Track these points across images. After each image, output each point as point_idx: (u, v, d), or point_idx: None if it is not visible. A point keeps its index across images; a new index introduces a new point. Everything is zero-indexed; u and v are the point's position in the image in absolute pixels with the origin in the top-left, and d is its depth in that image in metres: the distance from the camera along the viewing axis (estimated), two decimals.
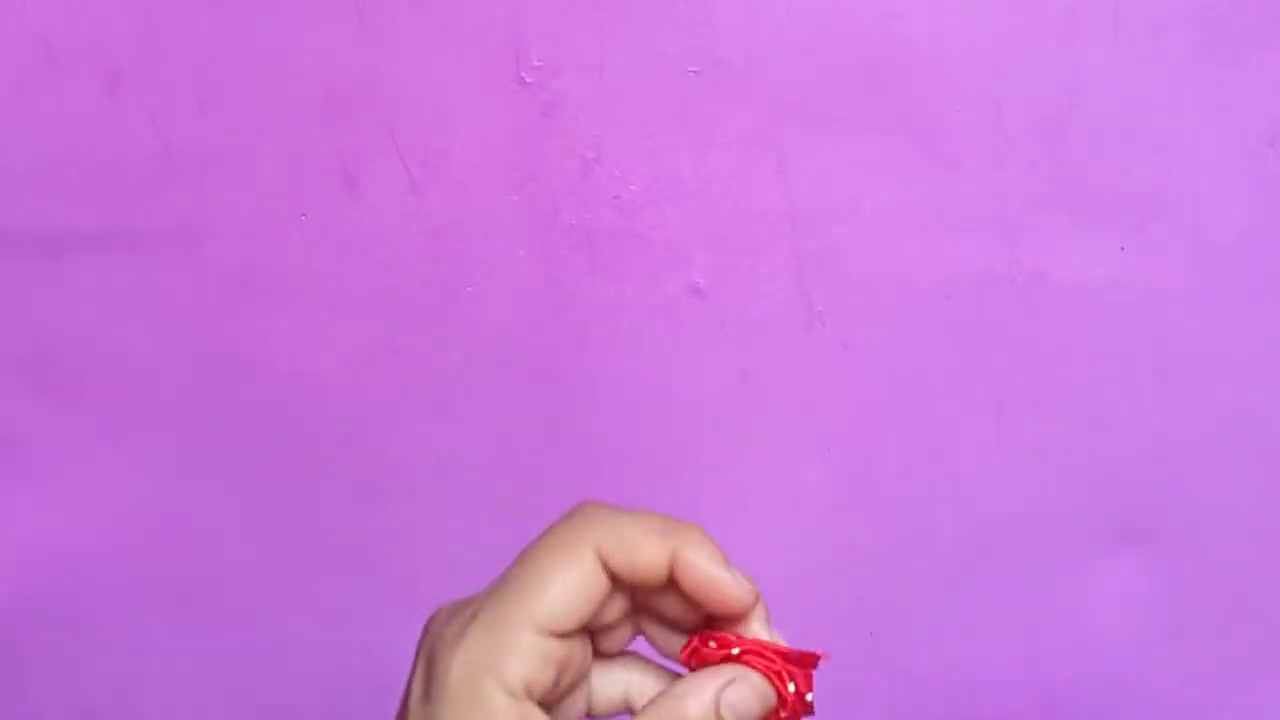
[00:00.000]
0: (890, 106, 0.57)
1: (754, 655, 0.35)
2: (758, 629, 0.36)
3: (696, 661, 0.36)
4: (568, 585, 0.34)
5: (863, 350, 0.61)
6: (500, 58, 0.56)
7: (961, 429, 0.62)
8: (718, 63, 0.56)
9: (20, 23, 0.56)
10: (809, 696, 0.36)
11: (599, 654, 0.39)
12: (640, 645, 0.39)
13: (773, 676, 0.35)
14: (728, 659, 0.35)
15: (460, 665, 0.34)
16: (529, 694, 0.34)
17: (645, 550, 0.35)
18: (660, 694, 0.35)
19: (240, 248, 0.60)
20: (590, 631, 0.37)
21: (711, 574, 0.35)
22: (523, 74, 0.57)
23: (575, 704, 0.38)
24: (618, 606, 0.37)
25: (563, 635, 0.35)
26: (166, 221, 0.60)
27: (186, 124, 0.58)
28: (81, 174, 0.59)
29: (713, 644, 0.36)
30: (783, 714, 0.35)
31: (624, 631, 0.38)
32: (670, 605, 0.37)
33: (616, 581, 0.35)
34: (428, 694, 0.35)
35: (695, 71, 0.56)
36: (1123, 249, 0.58)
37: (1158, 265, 0.58)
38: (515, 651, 0.34)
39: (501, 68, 0.56)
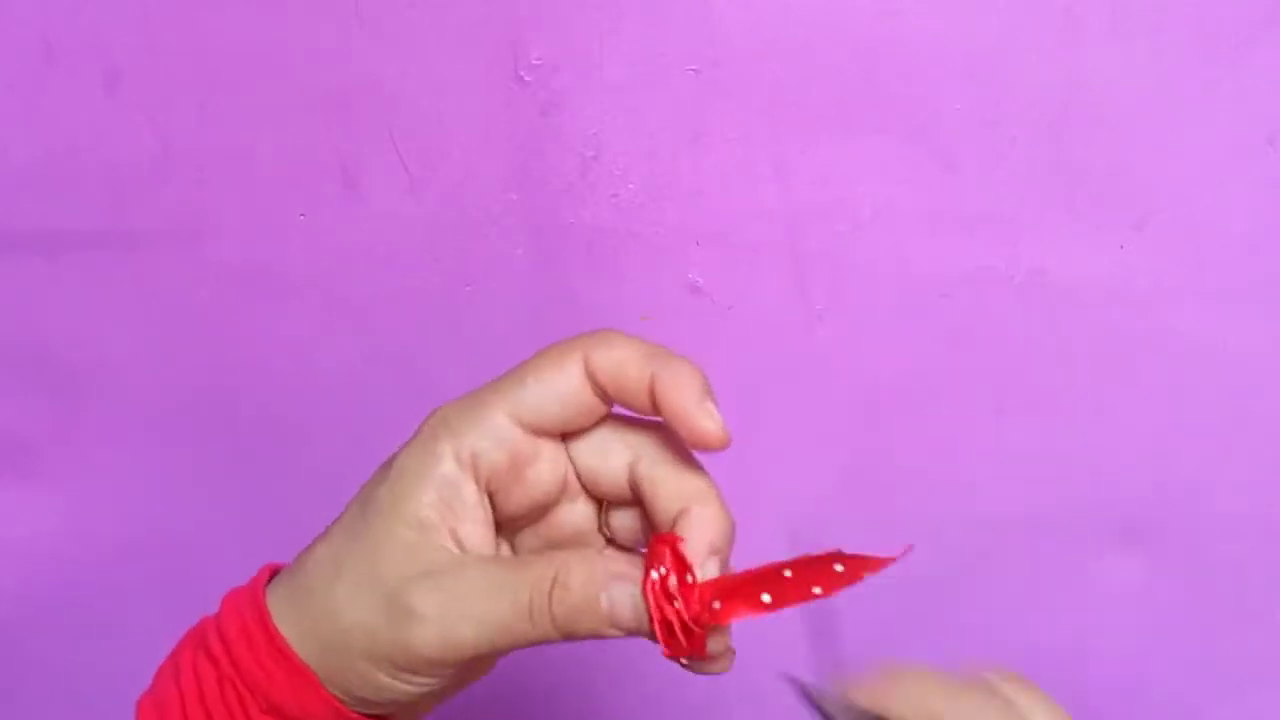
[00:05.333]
0: (890, 106, 0.56)
1: (661, 585, 0.34)
2: (710, 568, 0.35)
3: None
4: (547, 384, 0.36)
5: (863, 350, 0.61)
6: (499, 57, 0.56)
7: (961, 429, 0.62)
8: (717, 62, 0.56)
9: (20, 22, 0.56)
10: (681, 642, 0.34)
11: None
12: None
13: (654, 612, 0.34)
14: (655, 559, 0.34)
15: (432, 422, 0.37)
16: (475, 467, 0.36)
17: (631, 367, 0.35)
18: (576, 551, 0.36)
19: (239, 247, 0.60)
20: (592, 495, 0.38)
21: (685, 403, 0.35)
22: (521, 73, 0.57)
23: (534, 531, 0.39)
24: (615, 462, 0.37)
25: (534, 431, 0.36)
26: (166, 221, 0.60)
27: (186, 124, 0.58)
28: (81, 174, 0.59)
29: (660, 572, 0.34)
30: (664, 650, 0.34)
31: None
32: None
33: (604, 399, 0.36)
34: (405, 444, 0.37)
35: (694, 70, 0.56)
36: (1122, 248, 0.58)
37: (1157, 264, 0.58)
38: (479, 423, 0.36)
39: (500, 67, 0.56)
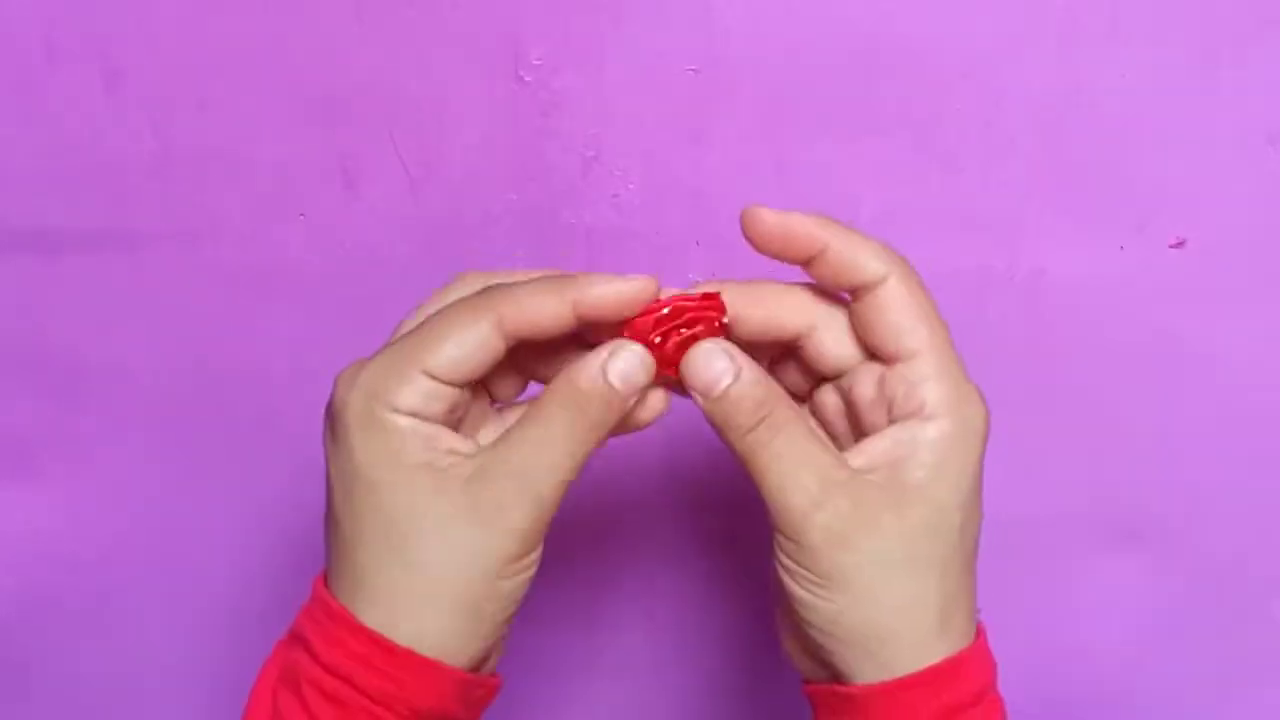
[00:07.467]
0: (890, 106, 0.57)
1: (647, 314, 0.39)
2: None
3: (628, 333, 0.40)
4: (463, 345, 0.38)
5: None
6: (499, 57, 0.56)
7: None
8: (717, 62, 0.56)
9: (20, 22, 0.56)
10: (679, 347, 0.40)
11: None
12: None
13: (644, 335, 0.39)
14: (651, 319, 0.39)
15: (357, 398, 0.38)
16: (437, 415, 0.39)
17: (547, 312, 0.38)
18: (556, 376, 0.39)
19: (239, 247, 0.60)
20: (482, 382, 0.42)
21: (605, 292, 0.38)
22: (521, 73, 0.57)
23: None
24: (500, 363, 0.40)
25: (451, 384, 0.39)
26: (165, 221, 0.60)
27: (186, 124, 0.58)
28: (80, 173, 0.59)
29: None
30: (664, 371, 0.40)
31: (512, 382, 0.43)
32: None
33: (512, 342, 0.39)
34: (334, 434, 0.39)
35: (694, 70, 0.56)
36: (1122, 248, 0.58)
37: (1157, 265, 0.58)
38: (405, 385, 0.38)
39: (500, 67, 0.56)
